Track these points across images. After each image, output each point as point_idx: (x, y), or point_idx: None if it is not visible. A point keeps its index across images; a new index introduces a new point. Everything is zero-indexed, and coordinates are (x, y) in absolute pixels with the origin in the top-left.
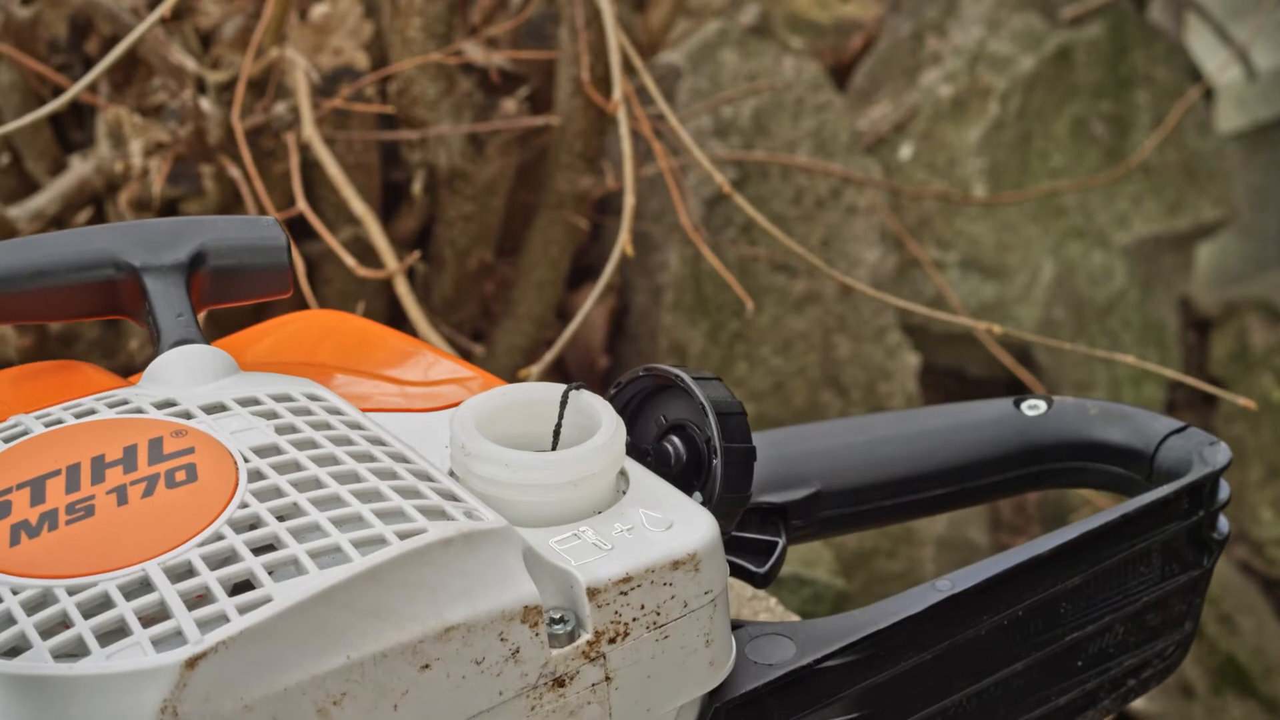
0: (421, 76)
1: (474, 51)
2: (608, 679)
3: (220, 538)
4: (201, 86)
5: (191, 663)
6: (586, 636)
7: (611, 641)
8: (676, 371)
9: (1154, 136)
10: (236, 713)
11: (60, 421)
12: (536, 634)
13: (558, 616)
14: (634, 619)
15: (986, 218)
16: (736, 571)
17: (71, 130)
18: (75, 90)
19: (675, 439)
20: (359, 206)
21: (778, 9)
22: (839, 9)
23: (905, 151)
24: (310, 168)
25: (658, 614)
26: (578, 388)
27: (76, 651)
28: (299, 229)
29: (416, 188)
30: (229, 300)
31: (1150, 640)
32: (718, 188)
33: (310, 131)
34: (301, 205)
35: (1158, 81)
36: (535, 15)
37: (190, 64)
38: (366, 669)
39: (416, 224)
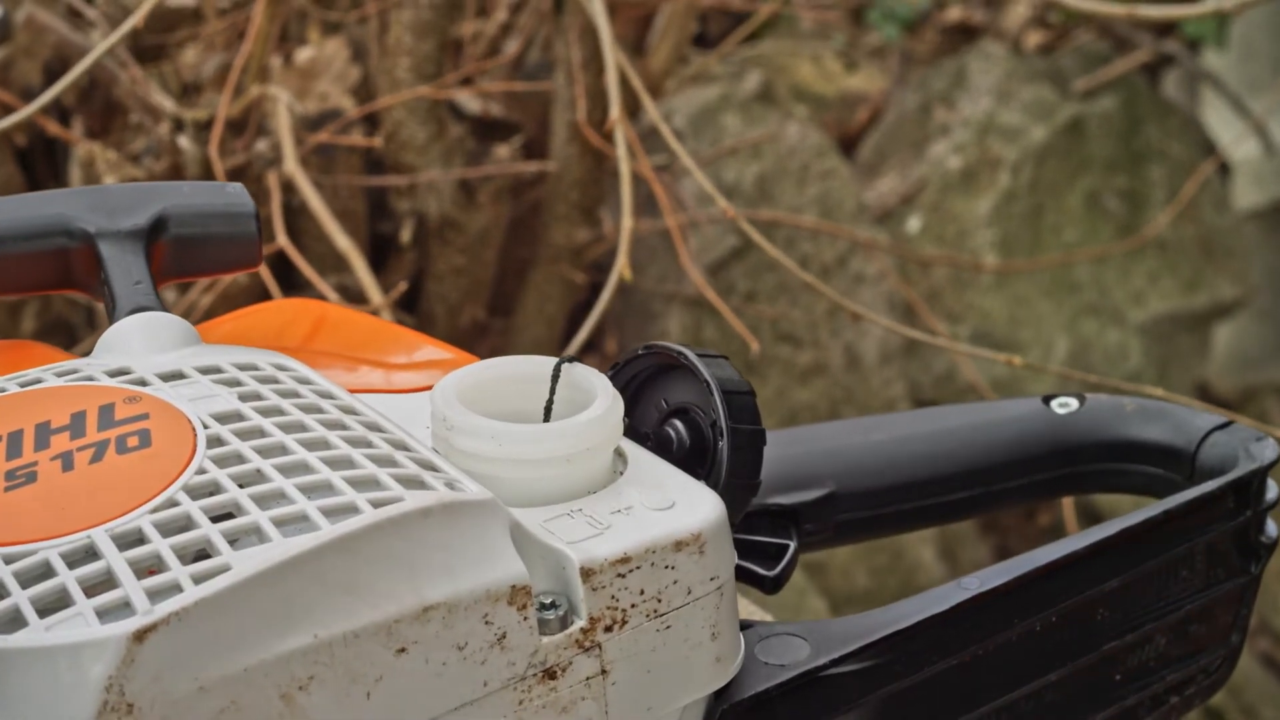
0: (410, 120)
1: (466, 97)
2: (604, 672)
3: (175, 504)
4: (180, 125)
5: (140, 635)
6: (580, 623)
7: (608, 630)
8: (680, 349)
9: (1169, 211)
10: (190, 694)
11: (3, 390)
12: (525, 618)
13: (548, 601)
14: (632, 605)
15: (998, 291)
16: (744, 576)
17: (46, 181)
18: (34, 107)
19: (678, 423)
20: (343, 242)
21: (780, 79)
22: (843, 81)
23: (913, 224)
24: (293, 215)
25: (659, 600)
26: (571, 360)
27: (14, 622)
28: (281, 281)
29: (405, 236)
30: (193, 272)
31: (1194, 653)
32: (720, 254)
33: (293, 166)
34: (282, 240)
35: (1172, 156)
36: (530, 66)
37: (168, 104)
38: (336, 650)
39: (405, 277)
